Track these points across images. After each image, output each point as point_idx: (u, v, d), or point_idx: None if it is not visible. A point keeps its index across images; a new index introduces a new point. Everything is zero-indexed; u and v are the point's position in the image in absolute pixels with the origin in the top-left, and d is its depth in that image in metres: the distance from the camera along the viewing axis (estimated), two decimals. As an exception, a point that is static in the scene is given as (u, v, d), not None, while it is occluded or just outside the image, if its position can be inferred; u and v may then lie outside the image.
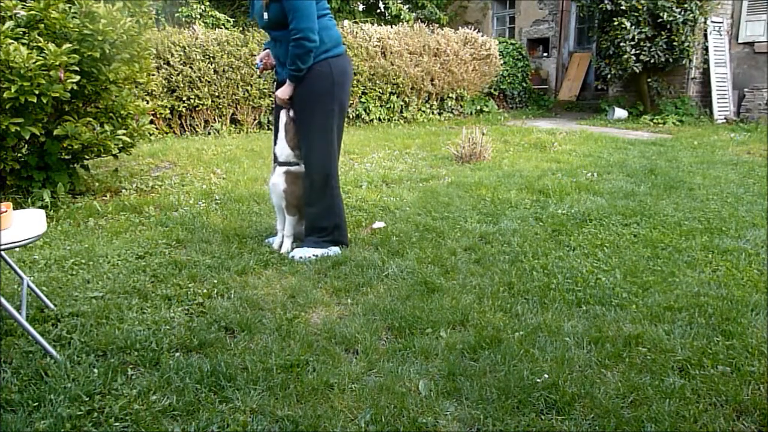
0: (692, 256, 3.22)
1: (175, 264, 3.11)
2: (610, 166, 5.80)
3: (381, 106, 9.84)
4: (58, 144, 4.19)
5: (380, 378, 2.05)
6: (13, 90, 3.57)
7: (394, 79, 9.72)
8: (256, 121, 8.77)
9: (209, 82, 8.02)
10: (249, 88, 8.36)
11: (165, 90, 7.74)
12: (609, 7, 9.54)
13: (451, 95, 10.71)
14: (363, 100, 9.60)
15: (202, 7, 10.65)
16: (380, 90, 9.69)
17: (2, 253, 2.25)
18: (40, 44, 3.71)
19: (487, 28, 14.57)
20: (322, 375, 2.04)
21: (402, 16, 12.46)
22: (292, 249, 3.34)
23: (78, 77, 3.87)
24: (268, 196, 4.62)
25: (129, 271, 3.03)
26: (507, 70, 11.89)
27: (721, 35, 10.05)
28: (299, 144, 3.27)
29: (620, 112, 10.31)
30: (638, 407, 1.88)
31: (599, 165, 5.84)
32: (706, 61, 9.99)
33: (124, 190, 4.77)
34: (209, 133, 8.19)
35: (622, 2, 9.32)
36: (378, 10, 13.76)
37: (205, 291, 2.77)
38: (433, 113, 10.55)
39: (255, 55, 8.24)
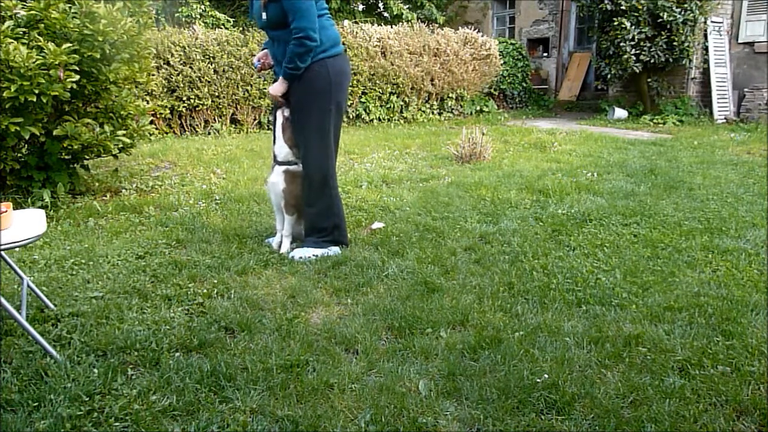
0: (692, 256, 3.22)
1: (175, 264, 3.11)
2: (610, 166, 5.80)
3: (381, 106, 9.84)
4: (58, 144, 4.19)
5: (380, 378, 2.05)
6: (13, 89, 3.57)
7: (394, 79, 9.72)
8: (256, 121, 8.77)
9: (209, 82, 8.02)
10: (249, 88, 8.36)
11: (165, 90, 7.74)
12: (609, 7, 9.53)
13: (451, 95, 10.71)
14: (363, 100, 9.60)
15: (202, 7, 10.65)
16: (380, 90, 9.69)
17: (2, 253, 2.25)
18: (40, 44, 3.71)
19: (487, 28, 14.57)
20: (322, 375, 2.04)
21: (404, 16, 12.45)
22: (292, 249, 3.34)
23: (78, 77, 3.87)
24: (267, 196, 4.63)
25: (129, 271, 3.03)
26: (507, 70, 11.89)
27: (721, 35, 10.05)
28: (297, 143, 3.27)
29: (620, 112, 10.31)
30: (638, 407, 1.88)
31: (599, 165, 5.84)
32: (706, 61, 9.99)
33: (124, 190, 4.77)
34: (209, 133, 8.19)
35: (622, 2, 9.32)
36: (378, 10, 13.77)
37: (205, 291, 2.77)
38: (433, 113, 10.55)
39: (255, 55, 8.24)
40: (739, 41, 10.23)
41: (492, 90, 11.67)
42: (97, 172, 5.30)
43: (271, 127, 8.88)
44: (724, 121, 9.74)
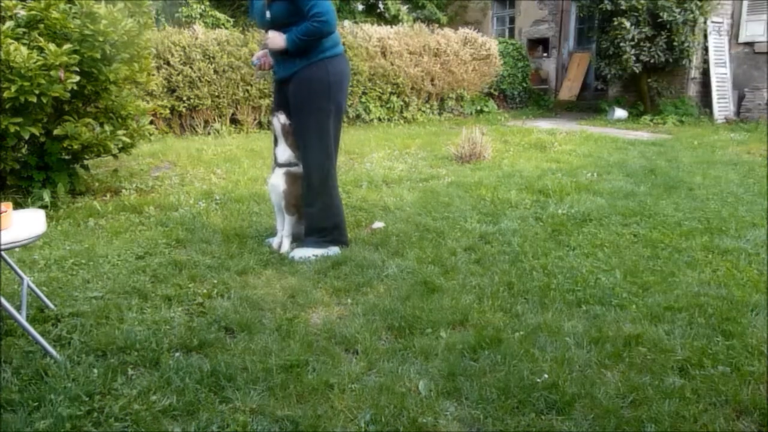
0: (692, 256, 3.22)
1: (175, 264, 3.11)
2: (610, 166, 5.79)
3: (381, 106, 9.84)
4: (58, 144, 4.19)
5: (380, 378, 2.05)
6: (13, 90, 3.57)
7: (394, 79, 9.72)
8: (256, 121, 8.77)
9: (209, 82, 8.02)
10: (249, 88, 8.36)
11: (165, 90, 7.74)
12: (609, 7, 9.53)
13: (451, 95, 10.71)
14: (363, 100, 9.60)
15: (202, 7, 10.65)
16: (380, 90, 9.69)
17: (2, 253, 2.25)
18: (40, 44, 3.71)
19: (487, 28, 14.56)
20: (322, 375, 2.04)
21: (400, 17, 12.46)
22: (292, 249, 3.34)
23: (78, 77, 3.87)
24: (267, 196, 4.63)
25: (129, 271, 3.02)
26: (507, 70, 11.89)
27: (721, 35, 10.05)
28: (297, 144, 3.28)
29: (620, 112, 10.31)
30: (638, 407, 1.88)
31: (599, 165, 5.84)
32: (706, 61, 9.99)
33: (124, 190, 4.76)
34: (209, 133, 8.19)
35: (622, 2, 9.32)
36: (378, 10, 13.76)
37: (205, 291, 2.77)
38: (433, 113, 10.55)
39: (254, 54, 8.24)
40: (739, 41, 10.22)
41: (492, 90, 11.67)
42: (97, 172, 5.30)
43: (270, 127, 8.88)
44: (724, 121, 9.74)
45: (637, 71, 9.74)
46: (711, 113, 9.86)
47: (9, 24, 3.69)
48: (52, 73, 3.68)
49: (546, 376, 2.02)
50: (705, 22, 9.68)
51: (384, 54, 9.65)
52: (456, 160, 6.12)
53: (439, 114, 10.67)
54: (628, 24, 9.35)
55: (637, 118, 9.99)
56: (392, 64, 9.65)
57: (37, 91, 3.65)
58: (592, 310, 2.56)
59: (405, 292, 2.75)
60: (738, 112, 10.05)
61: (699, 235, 3.56)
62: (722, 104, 9.97)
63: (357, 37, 9.38)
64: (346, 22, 10.03)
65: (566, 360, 2.13)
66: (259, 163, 5.91)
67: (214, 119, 8.33)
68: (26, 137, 3.90)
